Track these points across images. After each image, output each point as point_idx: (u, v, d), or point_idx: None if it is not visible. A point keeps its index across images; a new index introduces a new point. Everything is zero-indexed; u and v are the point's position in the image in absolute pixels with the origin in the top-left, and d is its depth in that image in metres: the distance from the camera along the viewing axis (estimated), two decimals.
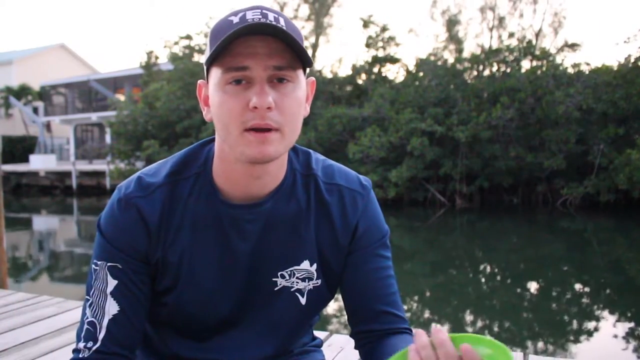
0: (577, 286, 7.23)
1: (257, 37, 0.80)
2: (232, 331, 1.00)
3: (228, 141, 0.85)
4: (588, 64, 15.20)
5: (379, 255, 1.00)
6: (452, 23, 24.08)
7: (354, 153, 14.57)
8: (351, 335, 1.04)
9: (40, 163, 24.14)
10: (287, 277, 0.97)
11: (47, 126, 30.46)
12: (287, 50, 0.81)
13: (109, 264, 0.90)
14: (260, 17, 0.82)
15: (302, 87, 0.86)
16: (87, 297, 0.92)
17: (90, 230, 12.01)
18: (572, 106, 13.68)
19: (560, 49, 18.79)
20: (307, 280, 0.97)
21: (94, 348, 0.88)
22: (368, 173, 14.24)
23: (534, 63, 15.81)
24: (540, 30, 23.18)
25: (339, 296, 1.03)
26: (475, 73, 16.87)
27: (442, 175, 15.27)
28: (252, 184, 0.91)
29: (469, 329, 5.15)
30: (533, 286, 7.24)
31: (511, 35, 20.94)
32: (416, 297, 6.61)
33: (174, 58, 21.00)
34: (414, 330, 0.74)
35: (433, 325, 5.50)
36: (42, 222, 15.68)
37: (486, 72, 16.63)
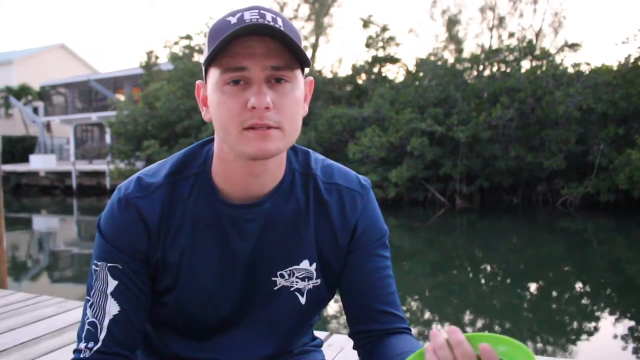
0: (577, 286, 7.23)
1: (255, 38, 0.80)
2: (232, 331, 1.00)
3: (227, 141, 0.85)
4: (588, 64, 15.19)
5: (378, 255, 1.00)
6: (452, 23, 24.07)
7: (353, 153, 14.56)
8: (350, 336, 1.04)
9: (40, 163, 24.15)
10: (287, 277, 0.97)
11: (47, 126, 30.46)
12: (285, 50, 0.82)
13: (109, 264, 0.91)
14: (258, 17, 0.82)
15: (300, 87, 0.86)
16: (88, 297, 0.92)
17: (90, 231, 12.02)
18: (572, 106, 13.68)
19: (560, 49, 18.76)
20: (306, 279, 0.98)
21: (94, 348, 0.89)
22: (368, 173, 14.24)
23: (534, 63, 15.80)
24: (540, 30, 23.20)
25: (339, 296, 1.03)
26: (475, 73, 16.87)
27: (442, 175, 15.26)
28: (251, 183, 0.91)
29: (469, 329, 5.15)
30: (533, 286, 7.25)
31: (511, 35, 20.93)
32: (416, 297, 6.61)
33: (174, 58, 21.00)
34: (431, 331, 0.74)
35: (433, 325, 5.51)
36: (42, 222, 15.69)
37: (486, 72, 16.63)
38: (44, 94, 30.35)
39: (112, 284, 0.90)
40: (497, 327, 5.33)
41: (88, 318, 0.91)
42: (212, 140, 0.97)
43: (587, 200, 14.23)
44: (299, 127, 0.88)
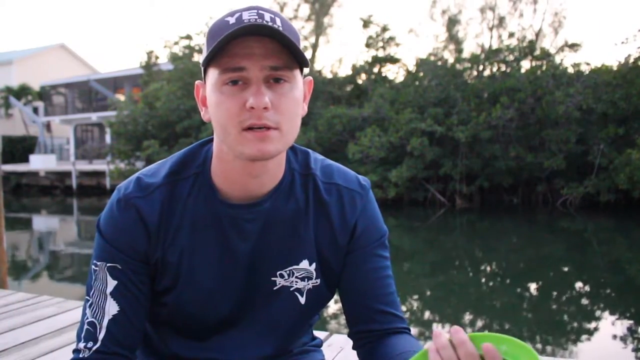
0: (577, 286, 7.23)
1: (253, 38, 0.80)
2: (232, 331, 1.00)
3: (227, 141, 0.85)
4: (588, 64, 15.19)
5: (378, 255, 1.00)
6: (452, 23, 24.06)
7: (353, 153, 14.56)
8: (349, 336, 1.04)
9: (40, 163, 24.15)
10: (286, 277, 0.97)
11: (47, 126, 30.47)
12: (284, 50, 0.82)
13: (108, 264, 0.91)
14: (256, 17, 0.82)
15: (299, 87, 0.86)
16: (87, 297, 0.92)
17: (90, 231, 12.01)
18: (572, 106, 13.68)
19: (560, 49, 18.76)
20: (306, 279, 0.98)
21: (94, 348, 0.89)
22: (368, 173, 14.24)
23: (534, 63, 15.80)
24: (540, 30, 23.19)
25: (338, 296, 1.03)
26: (475, 73, 16.87)
27: (442, 175, 15.26)
28: (251, 183, 0.91)
29: (469, 329, 5.15)
30: (533, 286, 7.25)
31: (511, 35, 20.92)
32: (416, 297, 6.61)
33: (174, 58, 21.00)
34: (434, 331, 0.74)
35: (433, 325, 5.51)
36: (42, 222, 15.69)
37: (486, 72, 16.63)
38: (44, 94, 30.36)
39: (112, 284, 0.90)
40: (497, 327, 5.33)
41: (87, 318, 0.91)
42: (212, 140, 0.97)
43: (587, 200, 14.22)
44: (297, 127, 0.88)
